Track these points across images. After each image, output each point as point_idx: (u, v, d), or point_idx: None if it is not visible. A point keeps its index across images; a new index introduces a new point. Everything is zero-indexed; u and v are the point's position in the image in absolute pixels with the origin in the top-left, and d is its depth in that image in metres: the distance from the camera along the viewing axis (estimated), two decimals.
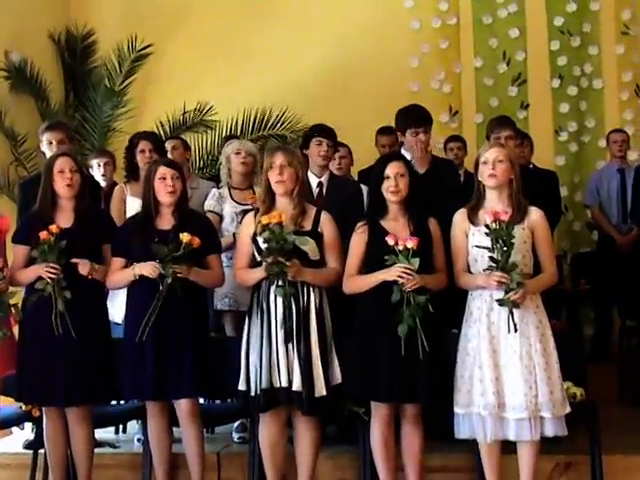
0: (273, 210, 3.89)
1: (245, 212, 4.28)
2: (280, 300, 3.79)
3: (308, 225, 3.92)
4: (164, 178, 4.01)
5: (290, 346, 3.78)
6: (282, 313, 3.79)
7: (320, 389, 3.77)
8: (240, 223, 4.26)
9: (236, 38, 7.10)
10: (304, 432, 3.92)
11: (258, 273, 3.85)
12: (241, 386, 3.86)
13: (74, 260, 3.97)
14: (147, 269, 3.91)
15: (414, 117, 4.70)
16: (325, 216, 3.96)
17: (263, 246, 3.80)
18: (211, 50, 7.13)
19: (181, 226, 3.98)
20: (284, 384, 3.77)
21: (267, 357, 3.79)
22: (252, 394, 3.82)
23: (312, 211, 3.97)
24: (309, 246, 3.83)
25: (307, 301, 3.84)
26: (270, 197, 3.96)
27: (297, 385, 3.75)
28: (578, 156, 7.01)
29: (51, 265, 3.92)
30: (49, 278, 3.91)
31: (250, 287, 3.96)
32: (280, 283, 3.75)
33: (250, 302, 3.94)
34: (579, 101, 6.99)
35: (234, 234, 4.52)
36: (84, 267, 3.99)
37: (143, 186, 4.14)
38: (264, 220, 3.78)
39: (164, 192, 4.01)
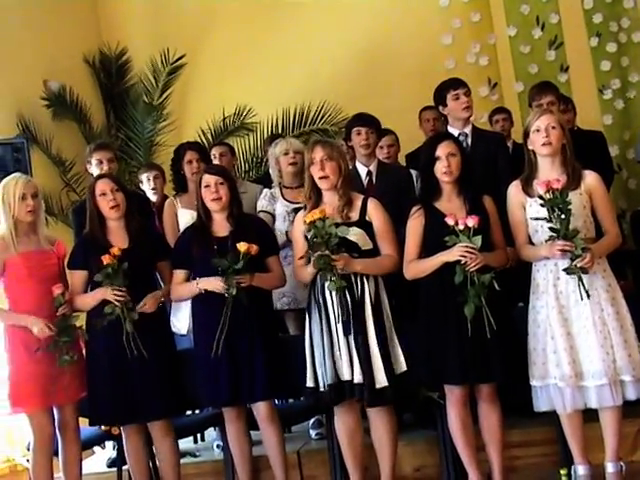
0: (320, 205, 3.89)
1: (296, 210, 4.29)
2: (335, 293, 3.78)
3: (355, 215, 3.89)
4: (208, 186, 4.05)
5: (350, 338, 3.77)
6: (338, 306, 3.78)
7: (381, 380, 3.73)
8: (292, 222, 4.27)
9: (266, 37, 7.09)
10: (379, 422, 3.90)
11: (310, 269, 3.85)
12: (309, 383, 3.86)
13: (140, 308, 3.98)
14: (212, 284, 3.95)
15: (449, 82, 4.64)
16: (372, 204, 3.92)
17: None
18: (243, 53, 7.13)
19: (237, 231, 4.00)
20: (347, 377, 3.76)
21: (329, 352, 3.79)
22: (321, 390, 3.82)
23: (359, 200, 3.94)
24: (357, 236, 3.81)
25: (362, 292, 3.81)
26: (316, 193, 3.95)
27: (358, 377, 3.74)
28: (625, 113, 6.85)
29: (117, 288, 3.96)
30: (117, 301, 3.96)
31: (308, 284, 3.97)
32: (330, 277, 3.73)
33: (308, 298, 3.95)
34: (620, 57, 6.83)
35: (286, 233, 4.53)
36: (152, 305, 4.03)
37: (195, 196, 4.17)
38: (308, 218, 3.78)
39: (209, 199, 4.05)
